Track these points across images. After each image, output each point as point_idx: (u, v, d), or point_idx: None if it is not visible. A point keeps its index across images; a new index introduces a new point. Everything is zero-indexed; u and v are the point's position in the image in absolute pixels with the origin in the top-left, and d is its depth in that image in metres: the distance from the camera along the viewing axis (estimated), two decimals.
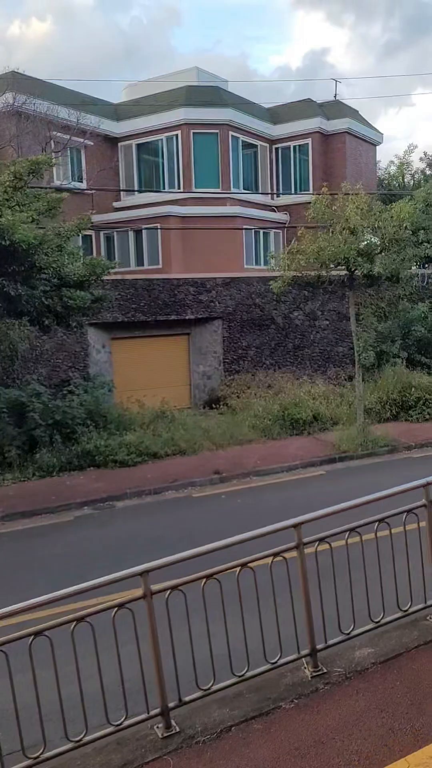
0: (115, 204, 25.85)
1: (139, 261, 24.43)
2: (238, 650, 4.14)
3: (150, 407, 17.56)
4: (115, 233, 24.98)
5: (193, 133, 24.62)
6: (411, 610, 4.89)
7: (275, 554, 4.21)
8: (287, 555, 4.29)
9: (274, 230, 26.43)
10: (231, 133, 25.02)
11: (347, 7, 79.39)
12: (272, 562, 4.21)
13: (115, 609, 3.73)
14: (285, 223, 26.35)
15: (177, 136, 24.82)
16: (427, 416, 17.48)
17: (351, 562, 4.43)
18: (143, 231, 24.04)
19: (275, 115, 27.57)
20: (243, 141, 25.92)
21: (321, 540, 4.36)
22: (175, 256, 23.72)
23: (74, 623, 3.63)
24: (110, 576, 3.70)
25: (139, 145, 26.01)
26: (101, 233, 25.05)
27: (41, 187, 15.61)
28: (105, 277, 17.06)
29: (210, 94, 25.07)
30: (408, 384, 18.08)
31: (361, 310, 21.02)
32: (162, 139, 25.27)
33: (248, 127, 25.88)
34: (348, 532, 4.46)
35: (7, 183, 11.29)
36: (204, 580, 3.97)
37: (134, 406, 17.56)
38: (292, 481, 13.28)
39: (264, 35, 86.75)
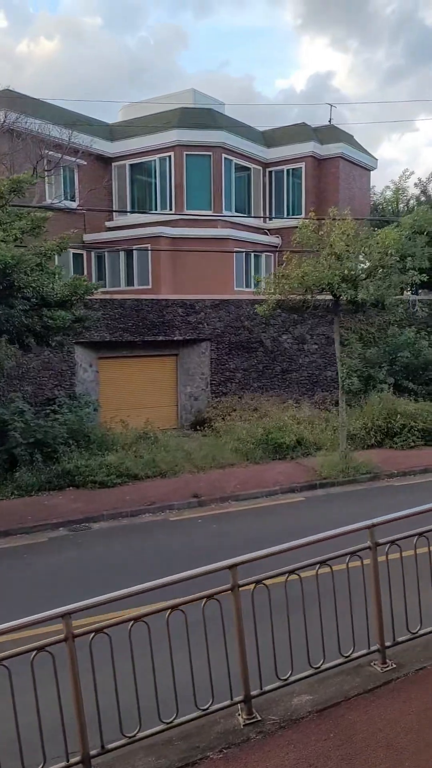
0: (108, 223, 25.93)
1: (129, 281, 24.45)
2: (168, 695, 3.99)
3: (134, 427, 17.46)
4: (106, 253, 25.02)
5: (186, 154, 24.77)
6: (353, 655, 4.73)
7: (209, 596, 4.06)
8: (223, 596, 4.14)
9: (265, 253, 26.50)
10: (224, 155, 25.17)
11: (351, 33, 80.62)
12: (205, 604, 4.05)
13: (35, 652, 3.58)
14: (277, 247, 26.43)
15: (170, 157, 24.97)
16: (412, 443, 17.36)
17: (290, 605, 4.28)
18: (134, 251, 24.09)
19: (270, 138, 27.77)
20: (236, 163, 26.08)
21: (258, 582, 4.20)
22: (165, 277, 23.75)
23: None
24: (30, 618, 3.56)
25: (132, 166, 26.16)
26: (92, 252, 25.09)
27: (28, 206, 15.63)
28: (93, 297, 17.05)
29: (204, 117, 25.27)
30: (393, 410, 17.97)
31: (348, 336, 21.00)
32: (155, 160, 25.42)
33: (241, 149, 26.05)
34: (287, 575, 4.31)
35: None
36: (131, 622, 3.82)
37: (118, 426, 17.47)
38: (270, 507, 13.13)
39: (270, 58, 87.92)
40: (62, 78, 53.62)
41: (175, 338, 20.70)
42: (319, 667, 4.52)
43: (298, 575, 4.31)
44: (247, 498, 13.76)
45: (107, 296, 20.24)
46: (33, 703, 3.58)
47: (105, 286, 23.89)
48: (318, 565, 4.40)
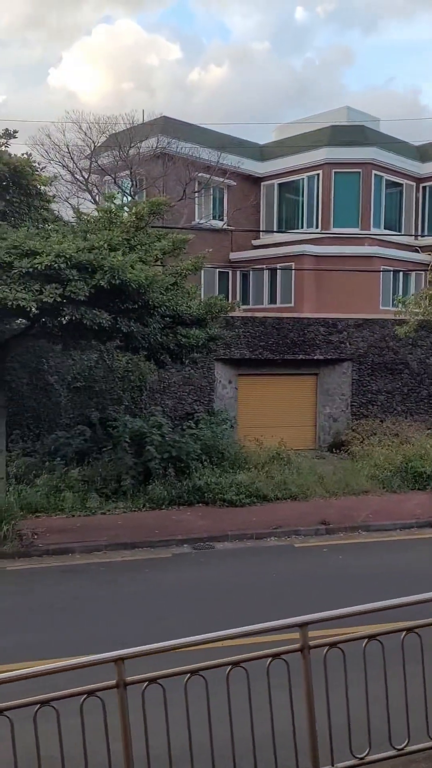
0: (254, 242, 26.20)
1: (272, 299, 24.47)
2: (225, 760, 3.66)
3: (269, 446, 17.26)
4: (251, 271, 25.25)
5: (335, 172, 24.44)
6: None
7: (275, 655, 3.70)
8: (291, 654, 3.74)
9: (416, 271, 25.34)
10: (374, 171, 24.54)
11: None
12: (270, 663, 3.70)
13: (84, 696, 3.45)
14: (429, 265, 25.18)
15: (318, 175, 24.76)
16: None
17: (370, 673, 3.78)
18: (278, 269, 24.09)
19: (425, 153, 26.69)
20: (387, 180, 25.31)
21: (332, 645, 3.76)
22: (308, 295, 23.47)
23: (38, 706, 3.41)
24: (84, 659, 3.43)
25: (280, 185, 26.27)
26: (238, 271, 25.43)
27: (173, 227, 16.11)
28: (234, 314, 17.18)
29: (355, 134, 24.83)
30: None
31: None
32: (303, 179, 25.32)
33: (393, 165, 25.27)
34: (367, 639, 3.84)
35: (129, 223, 11.71)
36: (188, 675, 3.57)
37: (253, 444, 17.37)
38: (402, 542, 12.33)
39: None
40: (229, 103, 55.25)
41: (316, 357, 20.34)
42: (402, 749, 3.97)
43: (380, 641, 3.82)
44: (379, 529, 13.03)
45: (249, 314, 20.36)
46: (75, 751, 3.47)
47: (249, 304, 24.09)
48: (404, 633, 3.89)
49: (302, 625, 3.67)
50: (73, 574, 10.60)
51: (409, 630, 3.85)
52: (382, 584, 9.37)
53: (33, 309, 9.75)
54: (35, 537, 12.10)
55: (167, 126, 22.86)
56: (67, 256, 9.74)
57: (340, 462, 17.44)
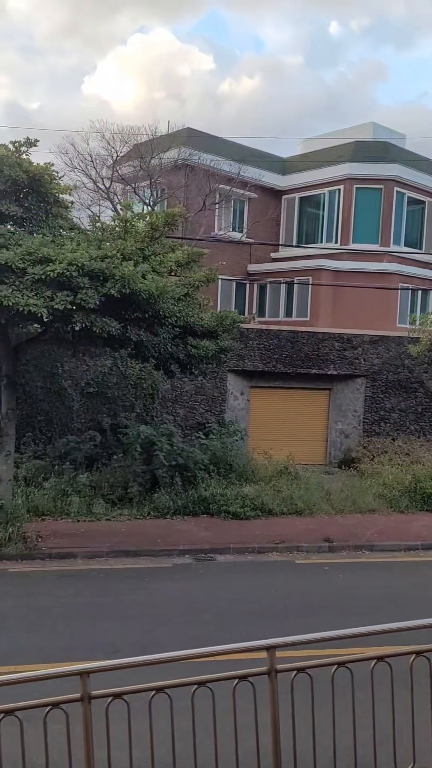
0: (273, 254, 26.24)
1: (288, 312, 24.48)
2: None
3: (277, 460, 17.22)
4: (268, 283, 25.30)
5: (356, 188, 24.44)
6: None
7: (241, 677, 3.62)
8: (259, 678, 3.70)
9: None
10: (396, 188, 24.49)
11: None
12: (236, 685, 3.64)
13: (49, 708, 3.44)
14: None
15: (339, 190, 24.77)
16: None
17: (337, 700, 3.73)
18: (295, 283, 24.11)
19: None
20: (409, 197, 25.24)
21: (299, 670, 3.64)
22: (324, 310, 23.45)
23: (2, 715, 3.41)
24: (49, 671, 3.40)
25: (301, 199, 26.31)
26: (255, 283, 25.49)
27: (191, 238, 16.21)
28: (249, 326, 17.17)
29: (379, 150, 24.82)
30: None
31: None
32: (324, 193, 25.34)
33: (416, 182, 25.20)
34: (336, 667, 3.74)
35: (144, 233, 11.81)
36: (153, 692, 3.54)
37: (262, 457, 17.34)
38: (406, 564, 12.21)
39: None
40: (259, 115, 55.51)
41: (330, 372, 20.28)
42: None
43: (349, 669, 3.77)
44: (383, 549, 12.92)
45: (263, 326, 20.38)
46: (39, 760, 3.48)
47: (264, 316, 24.12)
48: (375, 661, 3.81)
49: (269, 648, 3.64)
50: (74, 580, 10.65)
51: (380, 659, 3.80)
52: (378, 607, 9.32)
53: (44, 315, 9.87)
54: (39, 540, 12.17)
55: (191, 137, 23.05)
56: (79, 264, 9.85)
57: (348, 479, 17.34)
